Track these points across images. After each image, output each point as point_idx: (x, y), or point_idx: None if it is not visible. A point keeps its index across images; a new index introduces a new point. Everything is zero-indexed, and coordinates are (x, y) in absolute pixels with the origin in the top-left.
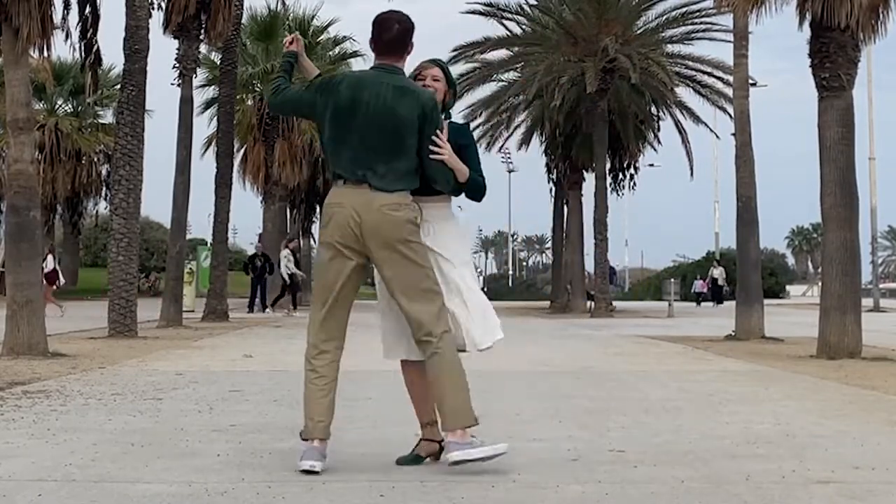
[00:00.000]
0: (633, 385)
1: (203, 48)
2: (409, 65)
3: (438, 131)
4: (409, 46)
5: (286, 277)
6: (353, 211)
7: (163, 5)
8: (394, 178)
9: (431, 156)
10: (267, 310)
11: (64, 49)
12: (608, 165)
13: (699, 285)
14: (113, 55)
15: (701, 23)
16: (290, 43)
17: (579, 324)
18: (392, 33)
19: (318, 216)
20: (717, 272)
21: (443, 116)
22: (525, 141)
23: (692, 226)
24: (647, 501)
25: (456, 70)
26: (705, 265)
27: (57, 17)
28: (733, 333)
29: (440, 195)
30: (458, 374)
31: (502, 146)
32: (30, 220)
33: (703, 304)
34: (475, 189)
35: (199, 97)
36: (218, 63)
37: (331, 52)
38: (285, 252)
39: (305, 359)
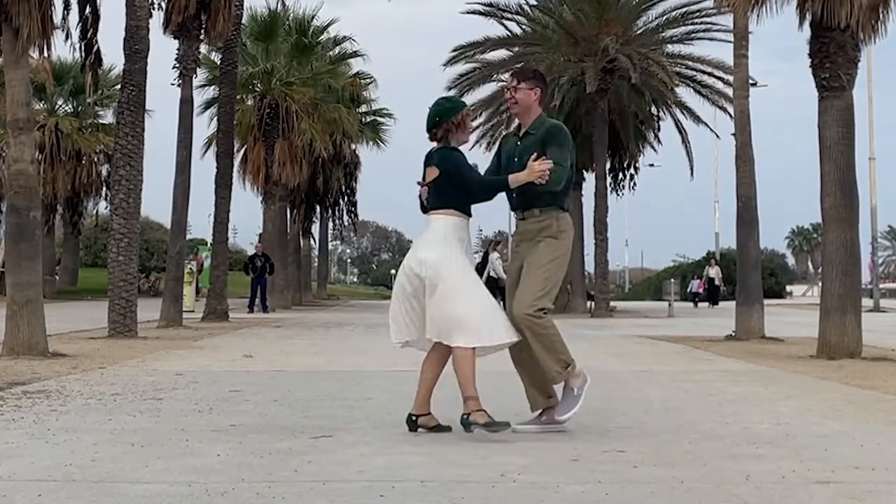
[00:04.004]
0: (634, 385)
1: (203, 48)
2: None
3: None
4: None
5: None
6: None
7: (163, 5)
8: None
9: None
10: None
11: (64, 49)
12: (608, 165)
13: (696, 285)
14: (113, 55)
15: (701, 23)
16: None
17: (579, 324)
18: None
19: (318, 216)
20: (714, 272)
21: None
22: None
23: (692, 226)
24: (647, 501)
25: (456, 70)
26: (705, 265)
27: (57, 17)
28: (733, 333)
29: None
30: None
31: None
32: (30, 221)
33: (699, 304)
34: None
35: (199, 97)
36: (218, 63)
37: (331, 53)
38: (495, 255)
39: (547, 319)
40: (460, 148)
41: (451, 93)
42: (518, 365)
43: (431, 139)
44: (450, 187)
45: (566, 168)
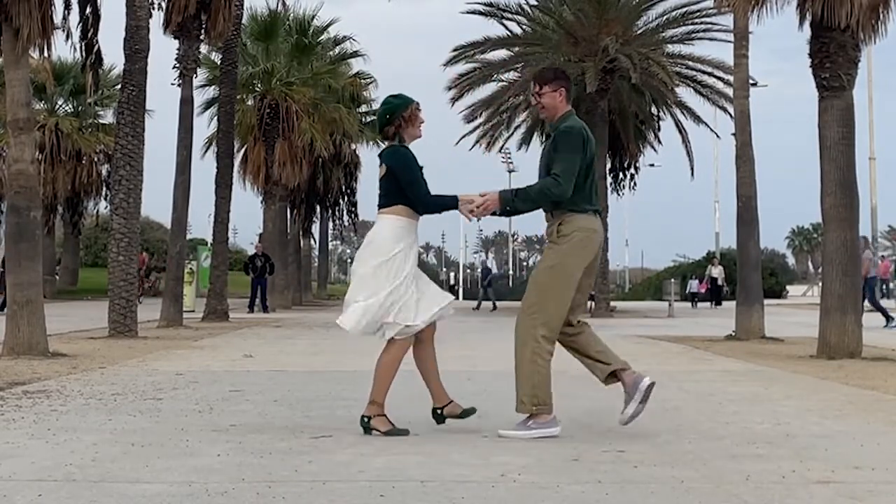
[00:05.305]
0: None
1: (203, 48)
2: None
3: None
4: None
5: None
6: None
7: (163, 5)
8: None
9: None
10: None
11: (64, 49)
12: (608, 165)
13: (695, 285)
14: (113, 55)
15: (701, 23)
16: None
17: None
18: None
19: (318, 216)
20: (717, 271)
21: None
22: (525, 141)
23: (692, 226)
24: (647, 501)
25: (456, 70)
26: (705, 265)
27: (57, 17)
28: (733, 333)
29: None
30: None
31: (502, 146)
32: (30, 221)
33: (699, 304)
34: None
35: (200, 97)
36: (218, 63)
37: (331, 53)
38: None
39: (542, 347)
40: (410, 145)
41: (451, 93)
42: (571, 350)
43: (385, 138)
44: (398, 185)
45: (567, 178)
